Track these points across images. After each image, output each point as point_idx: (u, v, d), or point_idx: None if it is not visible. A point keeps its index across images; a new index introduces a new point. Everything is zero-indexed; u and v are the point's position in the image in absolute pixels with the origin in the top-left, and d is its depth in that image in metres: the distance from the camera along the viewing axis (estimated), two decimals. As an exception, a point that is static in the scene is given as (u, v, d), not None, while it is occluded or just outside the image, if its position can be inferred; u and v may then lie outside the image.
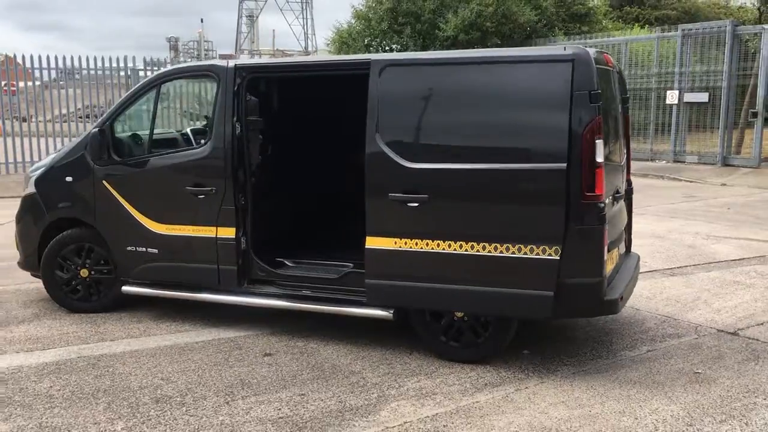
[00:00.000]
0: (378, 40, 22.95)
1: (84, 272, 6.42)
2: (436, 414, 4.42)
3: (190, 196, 5.85)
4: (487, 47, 22.09)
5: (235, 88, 5.70)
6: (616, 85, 5.75)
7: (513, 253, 4.84)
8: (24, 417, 4.38)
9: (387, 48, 23.21)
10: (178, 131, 7.10)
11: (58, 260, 6.44)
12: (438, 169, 5.01)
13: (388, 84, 5.13)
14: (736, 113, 18.52)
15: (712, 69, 18.63)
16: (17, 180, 13.74)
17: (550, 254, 4.75)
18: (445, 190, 5.01)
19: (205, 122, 7.17)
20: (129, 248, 6.16)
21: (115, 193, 6.14)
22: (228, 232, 5.79)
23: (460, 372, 5.09)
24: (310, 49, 78.82)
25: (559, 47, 4.95)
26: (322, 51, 71.07)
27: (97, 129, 6.02)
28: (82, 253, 6.42)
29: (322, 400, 4.63)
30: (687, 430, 4.24)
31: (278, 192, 6.49)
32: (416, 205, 5.04)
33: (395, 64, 5.20)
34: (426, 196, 5.00)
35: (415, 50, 21.76)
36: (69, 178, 6.33)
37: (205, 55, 76.99)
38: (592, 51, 4.87)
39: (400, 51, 22.49)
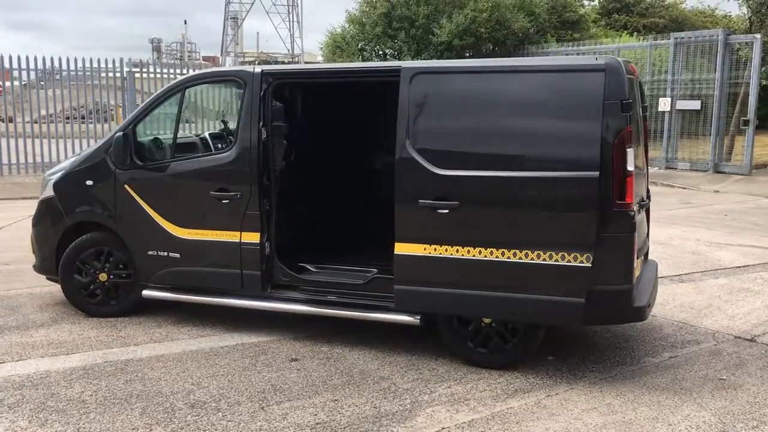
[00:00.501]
0: (372, 44, 22.98)
1: (103, 276, 6.39)
2: (472, 420, 4.46)
3: (214, 200, 5.85)
4: (481, 53, 22.24)
5: (261, 94, 5.72)
6: (638, 94, 5.82)
7: (544, 260, 4.89)
8: (61, 422, 4.36)
9: (381, 53, 23.27)
10: (196, 135, 7.08)
11: (77, 264, 6.41)
12: (469, 176, 5.04)
13: (419, 91, 5.17)
14: (727, 121, 18.75)
15: (704, 77, 18.87)
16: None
17: (581, 261, 4.81)
18: (477, 197, 5.05)
19: (222, 127, 7.16)
20: (150, 252, 6.14)
21: (137, 197, 6.12)
22: (252, 237, 5.79)
23: (489, 378, 5.12)
24: (296, 52, 78.70)
25: (591, 57, 5.00)
26: (308, 54, 71.13)
27: (121, 132, 6.00)
28: (101, 257, 6.39)
29: (356, 405, 4.65)
30: (724, 435, 4.30)
31: (300, 197, 6.50)
32: (446, 211, 5.08)
33: (426, 72, 5.23)
34: (457, 202, 5.04)
35: (409, 55, 21.86)
36: (89, 182, 6.31)
37: (189, 57, 76.71)
38: (621, 60, 4.93)
39: (394, 56, 22.56)
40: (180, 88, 6.11)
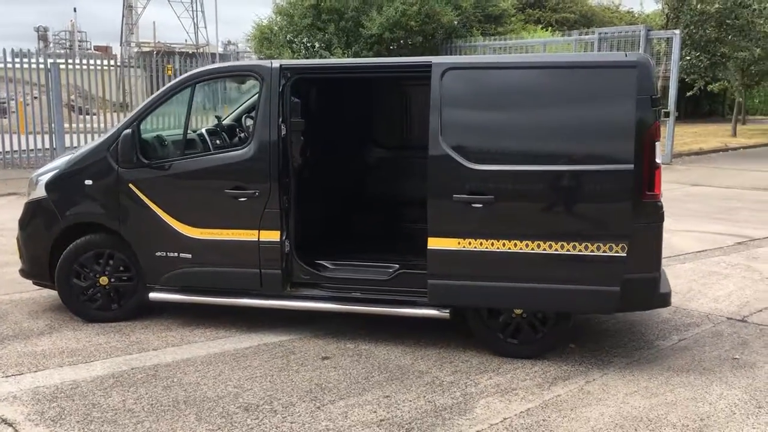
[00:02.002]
0: (301, 36, 22.77)
1: (103, 280, 6.13)
2: (529, 409, 4.57)
3: (229, 199, 5.72)
4: (411, 45, 22.43)
5: (280, 89, 5.62)
6: None
7: (580, 251, 5.05)
8: (117, 433, 4.19)
9: (309, 45, 23.09)
10: (193, 132, 6.87)
11: (75, 268, 6.12)
12: (505, 171, 5.14)
13: (451, 87, 5.22)
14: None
15: (627, 71, 19.68)
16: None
17: (617, 251, 4.99)
18: (512, 191, 5.15)
19: (216, 122, 6.99)
20: (159, 253, 5.94)
21: (143, 196, 5.90)
22: (272, 235, 5.70)
23: (524, 368, 5.25)
24: (201, 41, 76.75)
25: (620, 54, 5.19)
26: (212, 46, 69.48)
27: (129, 130, 5.77)
28: (101, 260, 6.13)
29: (410, 401, 4.68)
30: (758, 411, 4.58)
31: (315, 193, 6.43)
32: (480, 206, 5.16)
33: (458, 68, 5.29)
34: (492, 197, 5.13)
35: (339, 47, 21.79)
36: (89, 182, 6.03)
37: (79, 47, 73.45)
38: (648, 57, 5.14)
39: (323, 48, 22.42)
40: (190, 83, 5.92)
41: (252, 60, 6.06)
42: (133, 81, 18.79)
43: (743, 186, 16.22)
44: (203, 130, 6.66)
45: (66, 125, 17.16)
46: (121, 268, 6.15)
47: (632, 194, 4.96)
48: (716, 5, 19.21)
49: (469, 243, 5.23)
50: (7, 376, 5.01)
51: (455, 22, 22.38)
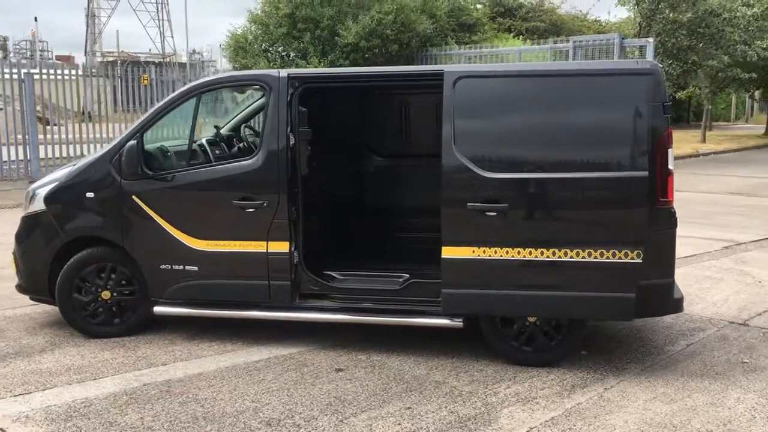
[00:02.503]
0: (276, 45, 22.64)
1: (106, 294, 5.99)
2: (553, 418, 4.56)
3: (237, 210, 5.63)
4: (388, 53, 22.44)
5: (288, 99, 5.56)
6: None
7: (595, 258, 5.06)
8: (141, 453, 4.08)
9: (284, 54, 22.97)
10: (194, 142, 6.75)
11: (77, 282, 5.98)
12: (519, 179, 5.14)
13: (463, 95, 5.21)
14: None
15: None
16: None
17: (632, 258, 5.01)
18: (527, 198, 5.16)
19: (215, 133, 6.88)
20: (163, 266, 5.83)
21: (147, 208, 5.79)
22: (281, 246, 5.62)
23: (540, 376, 5.24)
24: (168, 50, 76.17)
25: (632, 61, 5.23)
26: (178, 56, 68.93)
27: (134, 141, 5.65)
28: (103, 274, 5.99)
29: (432, 412, 4.64)
30: (777, 415, 4.62)
31: (319, 203, 6.37)
32: (495, 214, 5.15)
33: (470, 76, 5.28)
34: (506, 204, 5.12)
35: (315, 56, 21.71)
36: (90, 194, 5.90)
37: (41, 56, 72.31)
38: (659, 65, 5.18)
39: (298, 57, 22.33)
40: (195, 93, 5.83)
41: (260, 70, 5.99)
42: (101, 90, 18.49)
43: (718, 191, 16.52)
44: (203, 141, 6.55)
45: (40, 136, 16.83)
46: (123, 282, 6.02)
47: (647, 201, 4.99)
48: (688, 14, 19.55)
49: (484, 251, 5.21)
50: (15, 396, 4.86)
51: (430, 31, 22.42)
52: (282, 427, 4.41)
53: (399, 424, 4.46)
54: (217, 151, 6.58)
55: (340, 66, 21.53)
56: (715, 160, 24.99)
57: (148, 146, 5.95)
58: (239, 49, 22.92)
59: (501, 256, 5.19)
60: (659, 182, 5.02)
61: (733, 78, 25.82)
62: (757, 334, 6.25)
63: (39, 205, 6.08)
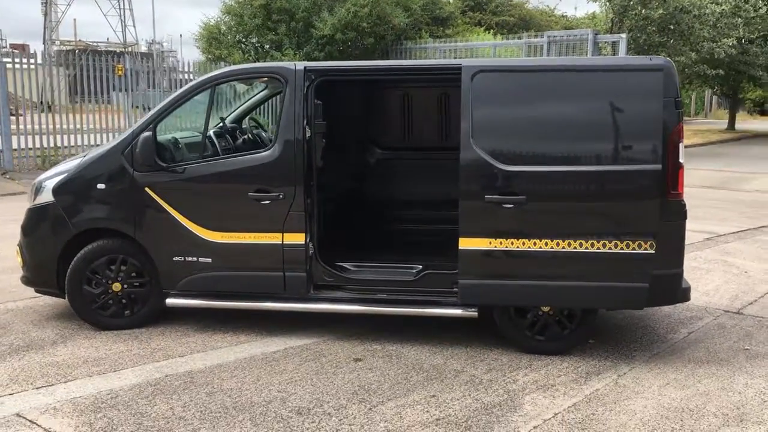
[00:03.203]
0: (251, 36, 22.52)
1: (116, 286, 5.97)
2: (575, 404, 4.69)
3: (252, 202, 5.66)
4: (363, 46, 22.48)
5: (305, 91, 5.60)
6: None
7: (610, 249, 5.21)
8: (178, 442, 4.11)
9: (258, 45, 22.86)
10: (200, 133, 6.75)
11: (87, 274, 5.94)
12: (536, 172, 5.26)
13: (481, 89, 5.30)
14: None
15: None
16: None
17: (645, 248, 5.17)
18: (544, 191, 5.28)
19: (219, 124, 6.88)
20: (176, 258, 5.83)
21: (160, 200, 5.78)
22: (296, 238, 5.67)
23: (554, 364, 5.38)
24: (129, 40, 74.92)
25: (646, 57, 5.38)
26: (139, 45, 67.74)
27: (149, 133, 5.64)
28: (113, 266, 5.97)
29: (457, 399, 4.74)
30: (785, 398, 4.82)
31: (330, 195, 6.42)
32: (512, 206, 5.26)
33: (488, 70, 5.37)
34: (524, 197, 5.24)
35: (291, 48, 21.65)
36: (101, 186, 5.87)
37: (-5, 44, 70.50)
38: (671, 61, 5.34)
39: (273, 48, 22.23)
40: (209, 84, 5.83)
41: (275, 62, 6.00)
42: (62, 80, 18.18)
43: (692, 185, 16.85)
44: (212, 133, 6.55)
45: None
46: (134, 274, 6.00)
47: (660, 193, 5.15)
48: (660, 11, 19.94)
49: (501, 243, 5.32)
50: (37, 388, 4.84)
51: (405, 24, 22.52)
52: (313, 415, 4.47)
53: (427, 411, 4.55)
54: (224, 143, 6.59)
55: (316, 59, 21.51)
56: (686, 154, 25.46)
57: (160, 138, 5.93)
58: (212, 39, 22.76)
59: (518, 247, 5.30)
60: (670, 175, 5.19)
61: (699, 74, 26.39)
62: (752, 323, 6.48)
63: (47, 197, 6.03)
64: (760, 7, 27.40)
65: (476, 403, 4.69)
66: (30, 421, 4.34)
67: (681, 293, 5.41)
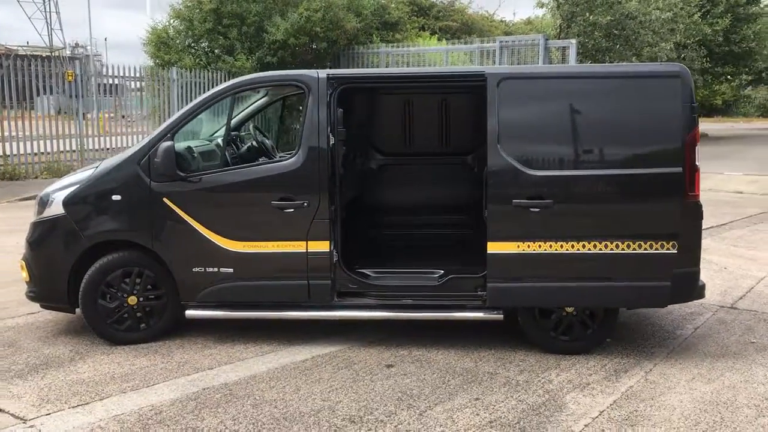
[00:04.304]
0: (201, 41, 22.16)
1: (132, 299, 5.83)
2: (615, 401, 4.84)
3: (275, 210, 5.62)
4: (315, 51, 22.43)
5: (328, 99, 5.60)
6: None
7: (634, 249, 5.39)
8: (243, 456, 4.06)
9: (209, 50, 22.51)
10: (209, 142, 6.66)
11: (102, 288, 5.79)
12: (562, 176, 5.40)
13: (507, 96, 5.41)
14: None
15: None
16: None
17: (668, 249, 5.37)
18: (570, 195, 5.42)
19: (225, 132, 6.79)
20: (196, 269, 5.74)
21: (180, 211, 5.68)
22: (321, 246, 5.66)
23: (581, 363, 5.52)
24: (57, 44, 72.66)
25: (665, 64, 5.58)
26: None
27: (170, 142, 5.54)
28: (128, 279, 5.84)
29: (501, 401, 4.82)
30: (805, 388, 5.08)
31: (345, 202, 6.42)
32: (539, 210, 5.38)
33: (513, 77, 5.48)
34: (550, 201, 5.36)
35: (243, 53, 21.42)
36: (117, 197, 5.73)
37: None
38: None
39: (224, 53, 21.94)
40: (229, 93, 5.77)
41: (297, 71, 5.96)
42: None
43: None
44: (219, 141, 6.47)
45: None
46: (150, 287, 5.88)
47: (681, 195, 5.35)
48: (608, 17, 20.55)
49: (528, 246, 5.43)
50: (73, 407, 4.69)
51: (357, 29, 22.55)
52: (366, 422, 4.47)
53: (477, 414, 4.61)
54: (231, 151, 6.52)
55: (269, 63, 21.40)
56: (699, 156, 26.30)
57: (177, 147, 5.83)
58: (161, 44, 22.29)
59: (545, 250, 5.42)
60: (688, 177, 5.39)
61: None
62: (749, 317, 6.77)
63: (57, 210, 5.85)
64: (693, 14, 28.57)
65: (521, 404, 4.78)
66: (80, 441, 4.22)
67: (698, 290, 5.63)
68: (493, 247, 5.46)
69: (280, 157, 6.85)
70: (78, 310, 5.99)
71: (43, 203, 5.98)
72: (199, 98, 5.83)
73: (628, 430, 4.41)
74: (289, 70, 6.15)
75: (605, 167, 5.40)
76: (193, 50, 22.33)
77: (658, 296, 5.47)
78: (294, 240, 5.66)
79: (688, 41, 27.98)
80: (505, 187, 5.40)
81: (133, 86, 20.91)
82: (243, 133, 7.19)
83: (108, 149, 18.38)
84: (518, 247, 5.44)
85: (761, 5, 36.99)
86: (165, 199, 5.68)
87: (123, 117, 20.37)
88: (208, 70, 20.92)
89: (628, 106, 5.41)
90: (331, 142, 5.62)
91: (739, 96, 51.78)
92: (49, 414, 4.58)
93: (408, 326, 6.11)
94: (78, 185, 5.87)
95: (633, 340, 6.05)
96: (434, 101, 7.35)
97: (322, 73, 5.65)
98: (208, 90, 19.31)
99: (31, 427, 4.41)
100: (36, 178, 16.66)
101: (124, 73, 19.48)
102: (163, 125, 5.79)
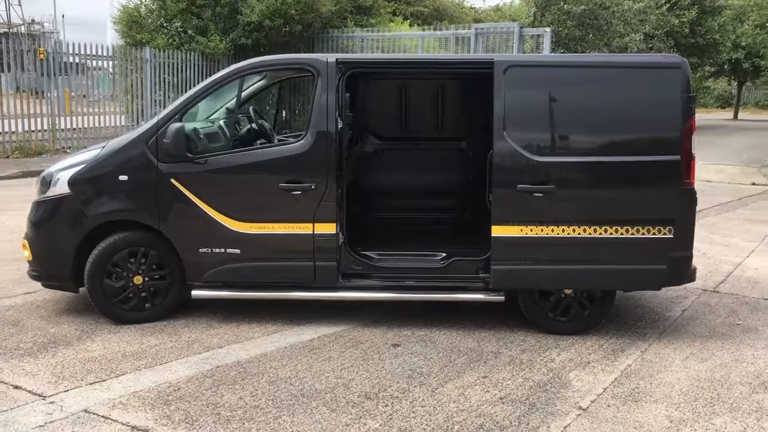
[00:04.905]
0: (174, 21, 21.91)
1: (138, 279, 5.88)
2: (617, 378, 5.05)
3: (282, 192, 5.71)
4: (289, 33, 22.33)
5: (337, 83, 5.69)
6: None
7: (632, 234, 5.60)
8: (264, 429, 4.16)
9: (180, 30, 22.28)
10: (211, 123, 6.68)
11: (108, 267, 5.82)
12: (565, 162, 5.58)
13: (513, 83, 5.55)
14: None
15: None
16: None
17: (665, 233, 5.59)
18: (572, 180, 5.60)
19: (226, 114, 6.83)
20: (203, 250, 5.80)
21: (187, 191, 5.73)
22: (327, 228, 5.76)
23: (579, 343, 5.72)
24: (15, 21, 70.88)
25: (663, 55, 5.77)
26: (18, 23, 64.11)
27: (180, 123, 5.58)
28: (133, 259, 5.87)
29: (508, 379, 5.00)
30: (792, 366, 5.35)
31: (351, 186, 6.52)
32: (542, 195, 5.56)
33: (519, 65, 5.63)
34: (553, 186, 5.54)
35: (217, 34, 21.26)
36: (123, 177, 5.75)
37: None
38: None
39: (198, 34, 21.72)
40: (237, 75, 5.81)
41: (306, 54, 6.02)
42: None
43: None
44: (222, 123, 6.51)
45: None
46: (155, 266, 5.92)
47: (678, 181, 5.56)
48: (582, 6, 20.84)
49: (531, 230, 5.61)
50: (90, 384, 4.75)
51: (332, 13, 22.50)
52: (381, 399, 4.61)
53: (487, 391, 4.78)
54: (231, 133, 6.54)
55: (243, 45, 21.31)
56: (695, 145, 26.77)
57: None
58: (133, 23, 21.96)
59: (547, 234, 5.60)
60: (685, 165, 5.61)
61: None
62: (731, 300, 7.06)
63: (62, 189, 5.85)
64: (661, 5, 29.07)
65: (528, 381, 4.96)
66: (103, 417, 4.28)
67: (691, 273, 5.86)
68: (498, 231, 5.62)
69: (279, 140, 6.92)
70: (82, 290, 6.01)
71: (47, 183, 5.96)
72: (207, 80, 5.87)
73: (633, 406, 4.62)
74: (300, 54, 6.21)
75: (606, 154, 5.58)
76: (165, 30, 22.06)
77: (654, 279, 5.69)
78: (301, 222, 5.74)
79: (657, 32, 28.53)
80: (510, 173, 5.56)
81: (97, 65, 20.56)
82: (243, 116, 7.22)
83: (77, 129, 18.16)
84: (521, 231, 5.61)
85: (726, -2, 37.83)
86: (173, 180, 5.72)
87: (84, 97, 19.98)
88: (182, 51, 20.72)
89: (630, 95, 5.59)
90: (339, 126, 5.70)
91: (700, 87, 52.85)
92: (67, 390, 4.63)
93: (408, 307, 6.25)
94: (84, 165, 5.87)
95: (626, 321, 6.28)
96: (431, 88, 7.46)
97: (331, 57, 5.73)
98: (182, 71, 19.05)
99: (51, 403, 4.45)
100: (7, 157, 16.39)
101: (96, 52, 19.21)
102: (171, 106, 5.81)
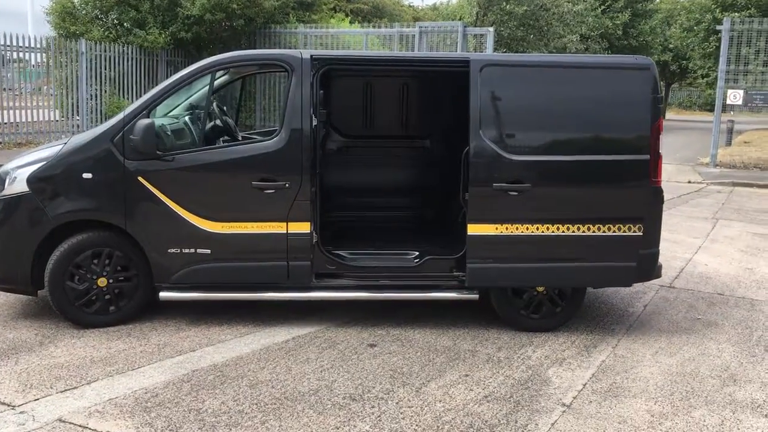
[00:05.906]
0: (110, 12, 21.27)
1: (102, 281, 5.66)
2: (594, 374, 5.13)
3: (255, 191, 5.59)
4: (231, 28, 21.97)
5: (311, 80, 5.60)
6: None
7: (604, 232, 5.69)
8: (256, 436, 4.07)
9: (116, 22, 21.65)
10: (176, 119, 6.46)
11: (70, 269, 5.59)
12: (540, 161, 5.63)
13: (489, 82, 5.57)
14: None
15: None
16: None
17: (635, 231, 5.71)
18: (546, 179, 5.65)
19: (190, 111, 6.65)
20: (172, 250, 5.63)
21: (155, 190, 5.55)
22: (301, 227, 5.67)
23: (552, 340, 5.79)
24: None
25: (633, 57, 5.88)
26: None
27: (149, 120, 5.39)
28: (97, 260, 5.66)
29: (489, 377, 5.01)
30: (755, 359, 5.55)
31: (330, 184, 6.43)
32: (517, 193, 5.60)
33: (495, 64, 5.65)
34: (528, 185, 5.59)
35: (156, 27, 20.76)
36: (87, 175, 5.53)
37: None
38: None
39: (135, 26, 21.14)
40: (208, 70, 5.65)
41: (279, 50, 5.86)
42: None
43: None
44: (187, 119, 6.33)
45: None
46: (119, 268, 5.72)
47: (647, 180, 5.68)
48: (524, 7, 21.15)
49: (506, 228, 5.64)
50: (61, 391, 4.54)
51: (274, 8, 22.22)
52: (367, 400, 4.56)
53: (471, 390, 4.78)
54: (196, 130, 6.38)
55: (183, 39, 20.88)
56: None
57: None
58: (66, 14, 21.22)
59: (522, 232, 5.65)
60: (653, 164, 5.73)
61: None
62: (688, 295, 7.27)
63: (20, 187, 5.58)
64: (596, 7, 29.81)
65: (509, 379, 4.98)
66: (81, 426, 4.10)
67: (657, 270, 6.00)
68: (473, 229, 5.63)
69: (243, 137, 6.78)
70: (41, 293, 5.76)
71: (2, 181, 5.69)
72: (177, 75, 5.69)
73: (614, 401, 4.69)
74: (273, 50, 6.08)
75: (579, 153, 5.66)
76: (101, 22, 21.41)
77: (624, 276, 5.80)
78: (274, 221, 5.63)
79: (592, 33, 29.23)
80: (486, 171, 5.57)
81: (18, 57, 19.71)
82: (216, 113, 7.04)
83: (8, 124, 17.45)
84: (497, 229, 5.63)
85: (656, 2, 39.00)
86: (140, 178, 5.53)
87: (10, 90, 19.13)
88: (119, 44, 20.14)
89: (603, 95, 5.68)
90: (313, 124, 5.61)
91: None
92: (38, 399, 4.42)
93: (380, 307, 6.22)
94: (44, 162, 5.61)
95: (593, 318, 6.39)
96: (396, 86, 7.43)
97: (306, 54, 5.63)
98: (119, 64, 18.54)
99: (22, 413, 4.24)
100: (-65, 153, 15.61)
101: (26, 43, 18.44)
102: (138, 102, 5.61)
